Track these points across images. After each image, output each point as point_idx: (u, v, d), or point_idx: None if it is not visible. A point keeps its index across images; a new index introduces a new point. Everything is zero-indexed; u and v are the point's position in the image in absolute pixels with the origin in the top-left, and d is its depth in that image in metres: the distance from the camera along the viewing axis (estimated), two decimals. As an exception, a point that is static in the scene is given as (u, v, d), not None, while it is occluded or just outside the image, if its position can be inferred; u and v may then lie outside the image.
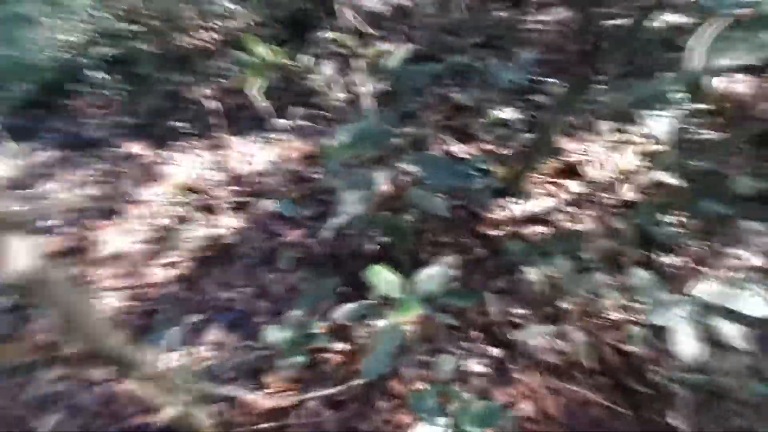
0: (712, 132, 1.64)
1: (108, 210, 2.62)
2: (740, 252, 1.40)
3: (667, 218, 1.57)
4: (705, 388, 1.33)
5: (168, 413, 1.42)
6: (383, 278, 1.31)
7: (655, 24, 1.91)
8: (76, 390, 1.84)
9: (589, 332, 1.49)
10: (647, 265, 1.52)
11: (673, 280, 1.47)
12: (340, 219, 1.69)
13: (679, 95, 1.57)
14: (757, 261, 1.39)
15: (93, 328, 1.07)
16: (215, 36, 3.39)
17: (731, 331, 1.21)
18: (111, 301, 2.11)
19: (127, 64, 3.22)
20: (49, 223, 2.57)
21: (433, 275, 1.36)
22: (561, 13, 2.75)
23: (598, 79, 1.70)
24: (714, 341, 1.29)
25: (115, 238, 2.44)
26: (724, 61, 1.11)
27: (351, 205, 1.64)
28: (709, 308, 1.25)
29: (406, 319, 1.18)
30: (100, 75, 3.19)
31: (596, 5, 1.84)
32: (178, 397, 1.38)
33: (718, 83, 1.95)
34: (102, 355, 1.11)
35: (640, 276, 1.38)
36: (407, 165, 1.72)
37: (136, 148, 2.97)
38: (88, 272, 2.28)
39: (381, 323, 1.40)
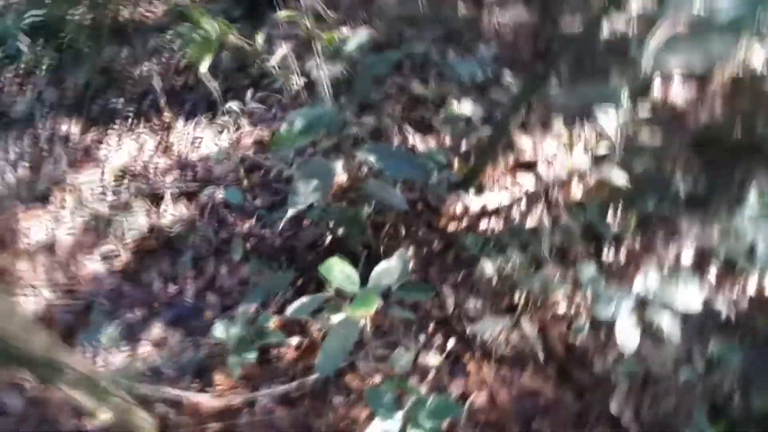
0: (653, 135, 1.74)
1: (36, 195, 2.38)
2: (677, 249, 1.50)
3: (613, 215, 1.66)
4: (641, 375, 1.43)
5: (104, 417, 1.32)
6: (339, 271, 1.28)
7: (604, 29, 1.99)
8: (3, 393, 1.68)
9: (540, 324, 1.54)
10: (594, 259, 1.60)
11: (617, 275, 1.55)
12: (294, 209, 1.64)
13: (624, 98, 1.64)
14: (690, 258, 1.50)
15: (10, 330, 0.96)
16: (155, 8, 3.14)
17: (666, 323, 1.30)
18: (39, 297, 1.93)
19: (52, 33, 2.90)
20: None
21: (390, 268, 1.34)
22: (519, 14, 2.79)
23: (551, 78, 1.75)
24: (651, 332, 1.39)
25: (45, 226, 2.22)
26: (670, 66, 1.16)
27: (306, 195, 1.58)
28: (647, 301, 1.34)
29: (363, 314, 1.16)
30: (21, 44, 2.86)
31: (550, 9, 1.89)
32: (113, 401, 1.28)
33: (658, 89, 2.07)
34: (21, 359, 1.00)
35: (587, 271, 1.45)
36: (365, 155, 1.68)
37: (66, 127, 2.70)
38: (12, 264, 2.06)
39: (337, 318, 1.37)
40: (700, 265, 1.50)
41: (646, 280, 1.36)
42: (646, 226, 1.59)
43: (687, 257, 1.48)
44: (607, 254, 1.61)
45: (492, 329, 1.55)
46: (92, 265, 2.03)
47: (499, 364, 1.56)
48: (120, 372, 1.59)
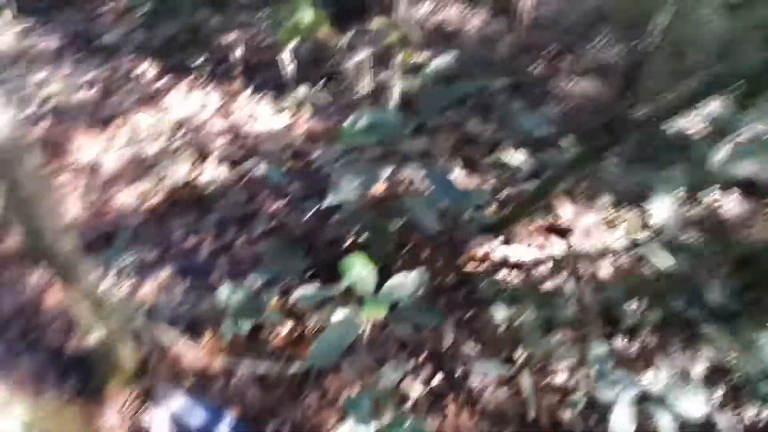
0: (698, 237, 1.71)
1: (97, 120, 2.50)
2: (692, 355, 1.45)
3: (636, 303, 1.62)
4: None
5: (90, 338, 1.34)
6: (359, 270, 1.29)
7: (673, 125, 2.00)
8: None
9: (533, 387, 1.50)
10: (605, 340, 1.56)
11: (625, 362, 1.51)
12: (332, 201, 1.66)
13: (680, 192, 1.63)
14: (704, 367, 1.45)
15: (48, 223, 1.00)
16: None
17: (666, 424, 1.24)
18: (70, 210, 2.00)
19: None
20: (31, 111, 2.43)
21: (407, 283, 1.35)
22: (590, 85, 2.85)
23: (610, 154, 1.76)
24: (646, 428, 1.33)
25: (95, 149, 2.32)
26: (736, 173, 1.16)
27: (345, 192, 1.61)
28: (651, 397, 1.29)
29: (372, 316, 1.16)
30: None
31: (627, 90, 1.92)
32: (110, 325, 1.30)
33: (710, 197, 2.05)
34: (47, 253, 1.04)
35: (597, 349, 1.41)
36: (415, 172, 1.70)
37: (144, 68, 2.86)
38: (56, 173, 2.16)
39: (340, 315, 1.37)
40: (711, 377, 1.44)
41: (655, 377, 1.32)
42: (667, 323, 1.54)
43: (701, 366, 1.43)
44: (621, 340, 1.57)
45: (484, 377, 1.51)
46: (126, 197, 2.10)
47: (481, 415, 1.52)
48: (121, 302, 1.61)
